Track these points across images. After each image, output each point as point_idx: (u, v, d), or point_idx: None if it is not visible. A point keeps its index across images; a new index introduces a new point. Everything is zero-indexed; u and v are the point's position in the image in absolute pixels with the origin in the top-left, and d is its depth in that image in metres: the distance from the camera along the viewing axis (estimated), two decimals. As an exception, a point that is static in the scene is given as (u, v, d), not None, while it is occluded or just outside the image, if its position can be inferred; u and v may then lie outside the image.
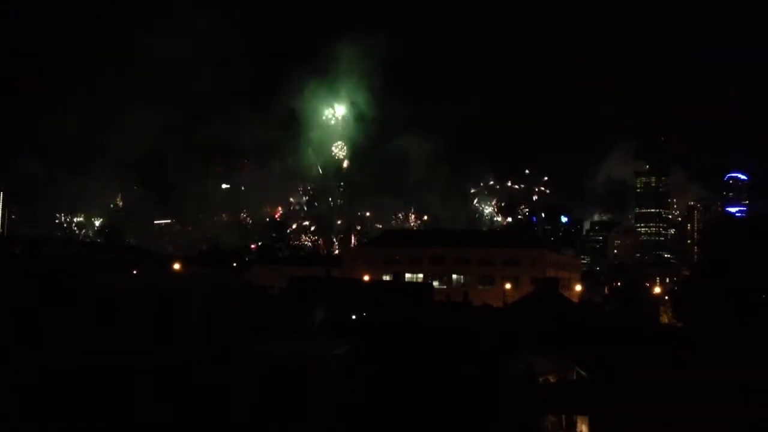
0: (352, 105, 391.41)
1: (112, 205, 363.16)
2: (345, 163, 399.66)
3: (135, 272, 61.71)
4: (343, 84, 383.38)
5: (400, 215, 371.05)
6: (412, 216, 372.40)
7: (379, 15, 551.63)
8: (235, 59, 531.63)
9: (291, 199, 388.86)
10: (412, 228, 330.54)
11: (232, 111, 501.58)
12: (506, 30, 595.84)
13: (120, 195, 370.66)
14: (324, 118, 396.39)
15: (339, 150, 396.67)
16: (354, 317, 57.27)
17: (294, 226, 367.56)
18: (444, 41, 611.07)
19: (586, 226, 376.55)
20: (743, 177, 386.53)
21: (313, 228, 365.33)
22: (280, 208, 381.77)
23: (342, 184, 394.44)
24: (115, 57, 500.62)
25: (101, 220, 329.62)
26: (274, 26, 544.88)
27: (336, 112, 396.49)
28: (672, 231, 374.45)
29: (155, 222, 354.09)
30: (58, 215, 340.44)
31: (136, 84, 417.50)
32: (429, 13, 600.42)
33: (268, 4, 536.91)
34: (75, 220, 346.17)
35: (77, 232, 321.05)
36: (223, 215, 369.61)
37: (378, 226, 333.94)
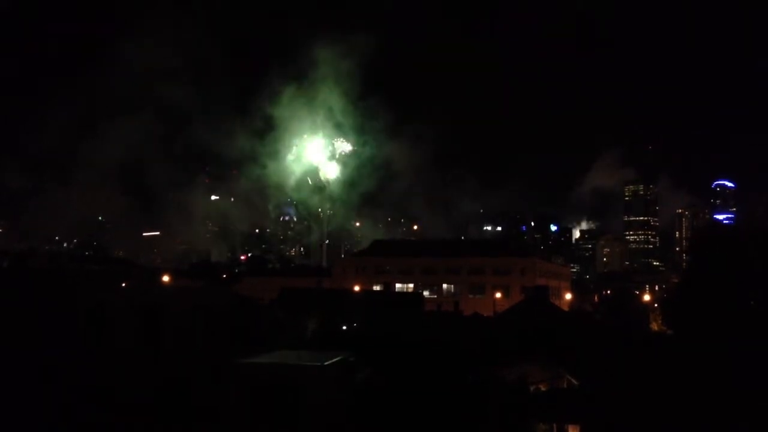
0: (335, 113, 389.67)
1: (100, 218, 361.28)
2: (332, 173, 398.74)
3: (124, 285, 61.54)
4: (327, 92, 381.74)
5: (388, 225, 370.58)
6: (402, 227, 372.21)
7: (362, 22, 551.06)
8: (219, 67, 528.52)
9: (281, 210, 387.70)
10: (402, 238, 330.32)
11: (221, 121, 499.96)
12: (493, 37, 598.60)
13: (107, 207, 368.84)
14: (309, 126, 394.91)
15: (326, 159, 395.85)
16: (345, 328, 57.22)
17: (282, 237, 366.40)
18: (429, 48, 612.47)
19: (576, 234, 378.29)
20: (730, 184, 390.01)
21: (301, 239, 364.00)
22: (269, 220, 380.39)
23: (330, 194, 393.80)
24: (103, 68, 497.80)
25: (89, 232, 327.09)
26: (256, 34, 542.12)
27: (320, 120, 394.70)
28: (660, 238, 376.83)
29: (144, 234, 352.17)
30: (45, 228, 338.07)
31: (123, 95, 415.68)
32: (412, 20, 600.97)
33: (250, 12, 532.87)
34: (62, 232, 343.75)
35: (65, 245, 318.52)
36: (213, 227, 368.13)
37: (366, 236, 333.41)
